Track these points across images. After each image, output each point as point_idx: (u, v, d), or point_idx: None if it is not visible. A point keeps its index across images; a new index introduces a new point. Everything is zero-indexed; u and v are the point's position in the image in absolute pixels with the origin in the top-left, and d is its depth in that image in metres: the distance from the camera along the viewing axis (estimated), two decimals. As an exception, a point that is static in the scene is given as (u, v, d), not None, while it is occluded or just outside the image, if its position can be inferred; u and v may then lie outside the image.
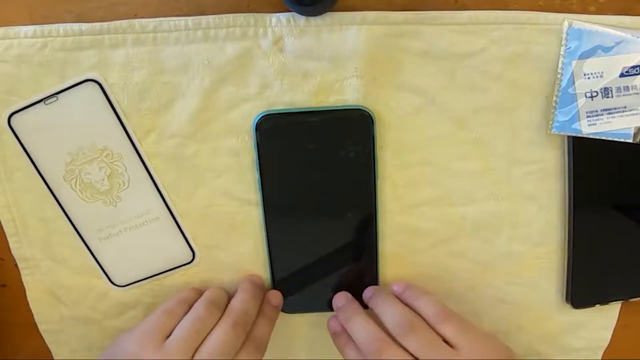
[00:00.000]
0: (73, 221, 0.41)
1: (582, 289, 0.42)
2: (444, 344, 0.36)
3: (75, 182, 0.40)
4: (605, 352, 0.46)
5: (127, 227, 0.42)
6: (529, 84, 0.37)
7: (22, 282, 0.44)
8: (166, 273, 0.43)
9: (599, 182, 0.40)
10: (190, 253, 0.43)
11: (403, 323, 0.37)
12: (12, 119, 0.38)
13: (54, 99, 0.37)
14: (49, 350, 0.46)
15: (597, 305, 0.43)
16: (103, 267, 0.43)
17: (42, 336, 0.46)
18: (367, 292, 0.42)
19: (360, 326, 0.39)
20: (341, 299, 0.42)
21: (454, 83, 0.37)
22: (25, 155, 0.39)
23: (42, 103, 0.38)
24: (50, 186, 0.40)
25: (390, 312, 0.38)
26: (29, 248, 0.42)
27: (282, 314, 0.44)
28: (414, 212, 0.41)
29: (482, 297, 0.44)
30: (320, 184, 0.39)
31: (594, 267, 0.42)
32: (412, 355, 0.35)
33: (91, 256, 0.43)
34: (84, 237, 0.42)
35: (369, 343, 0.37)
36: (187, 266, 0.43)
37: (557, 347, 0.45)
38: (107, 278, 0.44)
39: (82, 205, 0.41)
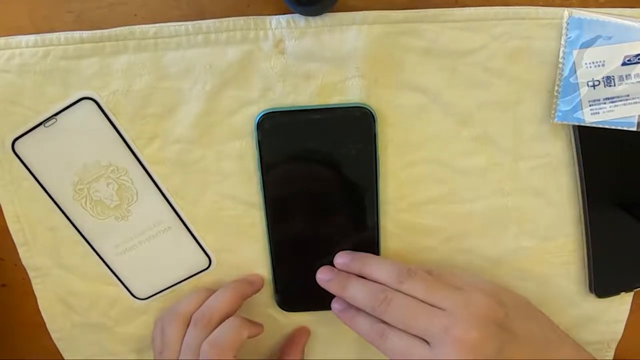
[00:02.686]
0: (89, 240, 0.42)
1: (604, 278, 0.42)
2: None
3: (85, 200, 0.40)
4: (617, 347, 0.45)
5: (141, 240, 0.42)
6: (531, 79, 0.37)
7: (22, 282, 0.44)
8: (185, 281, 0.44)
9: (609, 172, 0.39)
10: (206, 258, 0.43)
11: (400, 271, 0.36)
12: (15, 145, 0.38)
13: (53, 120, 0.38)
14: (51, 350, 0.47)
15: (614, 296, 0.43)
16: (123, 281, 0.43)
17: (43, 336, 0.46)
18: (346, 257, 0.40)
19: (358, 286, 0.37)
20: (326, 273, 0.40)
21: (456, 80, 0.37)
22: (34, 179, 0.39)
23: (42, 126, 0.38)
24: (62, 207, 0.40)
25: (383, 267, 0.37)
26: (38, 257, 0.43)
27: (282, 312, 0.44)
28: (421, 210, 0.41)
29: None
30: (322, 182, 0.39)
31: (615, 254, 0.41)
32: (420, 300, 0.35)
33: (110, 271, 0.43)
34: (101, 254, 0.42)
35: (375, 296, 0.36)
36: (204, 272, 0.43)
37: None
38: (129, 292, 0.44)
39: (95, 223, 0.41)
